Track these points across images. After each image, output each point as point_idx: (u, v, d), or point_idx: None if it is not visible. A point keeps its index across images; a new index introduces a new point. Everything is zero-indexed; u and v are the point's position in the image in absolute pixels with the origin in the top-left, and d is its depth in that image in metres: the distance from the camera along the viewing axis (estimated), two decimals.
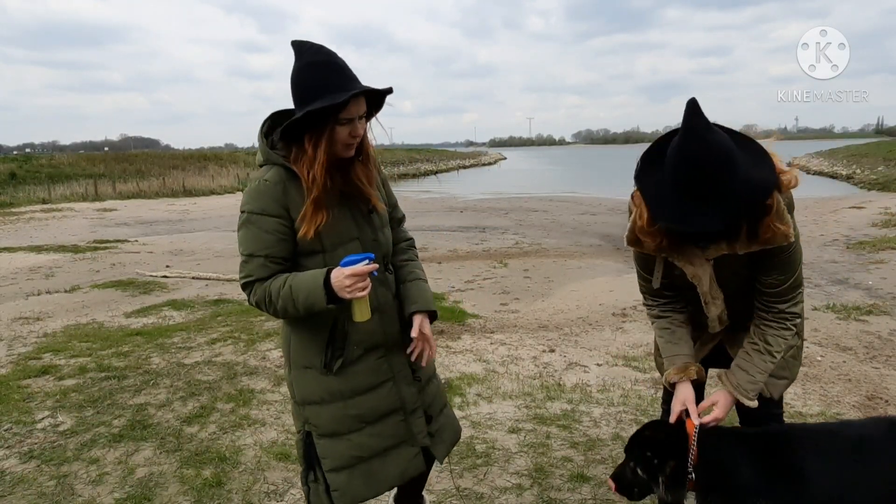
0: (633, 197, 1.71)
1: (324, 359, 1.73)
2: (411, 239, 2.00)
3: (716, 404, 1.78)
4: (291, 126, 1.59)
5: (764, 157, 1.53)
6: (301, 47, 1.58)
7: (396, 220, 1.94)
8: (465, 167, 60.10)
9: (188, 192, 31.16)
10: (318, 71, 1.55)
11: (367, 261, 1.54)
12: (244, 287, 1.68)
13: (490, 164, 69.13)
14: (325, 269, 1.58)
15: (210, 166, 40.20)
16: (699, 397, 1.94)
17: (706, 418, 1.74)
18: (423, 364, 1.81)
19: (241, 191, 33.67)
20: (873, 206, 15.57)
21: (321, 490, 1.80)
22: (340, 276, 1.53)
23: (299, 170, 1.61)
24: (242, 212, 1.64)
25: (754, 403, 1.79)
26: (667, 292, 1.88)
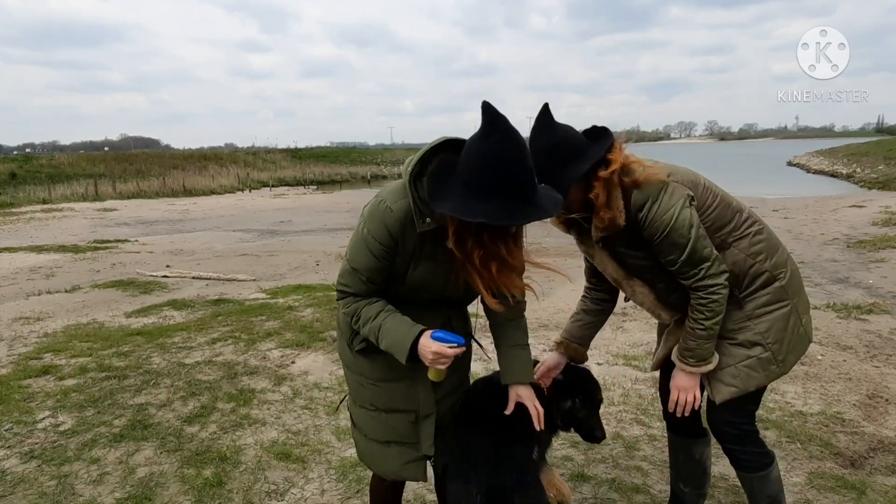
0: None
1: (350, 334, 1.81)
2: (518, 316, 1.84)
3: (674, 378, 1.99)
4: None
5: (591, 154, 1.77)
6: (495, 125, 1.41)
7: None
8: None
9: (188, 192, 31.20)
10: (500, 169, 1.39)
11: (456, 344, 1.58)
12: (340, 293, 1.72)
13: None
14: (416, 331, 1.60)
15: (210, 166, 40.24)
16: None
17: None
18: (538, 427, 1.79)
19: (241, 190, 33.71)
20: (873, 204, 15.57)
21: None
22: (427, 347, 1.57)
23: (449, 226, 1.52)
24: (363, 224, 1.63)
25: (705, 368, 1.90)
26: (593, 279, 2.18)
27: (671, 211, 1.76)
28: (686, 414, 1.98)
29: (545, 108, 1.79)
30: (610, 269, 1.97)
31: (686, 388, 1.95)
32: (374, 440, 1.84)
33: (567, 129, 1.80)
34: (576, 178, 1.75)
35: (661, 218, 1.76)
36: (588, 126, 1.90)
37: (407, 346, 1.58)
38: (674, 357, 1.97)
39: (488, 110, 1.41)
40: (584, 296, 2.24)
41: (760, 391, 1.97)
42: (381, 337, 1.63)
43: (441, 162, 1.54)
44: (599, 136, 1.84)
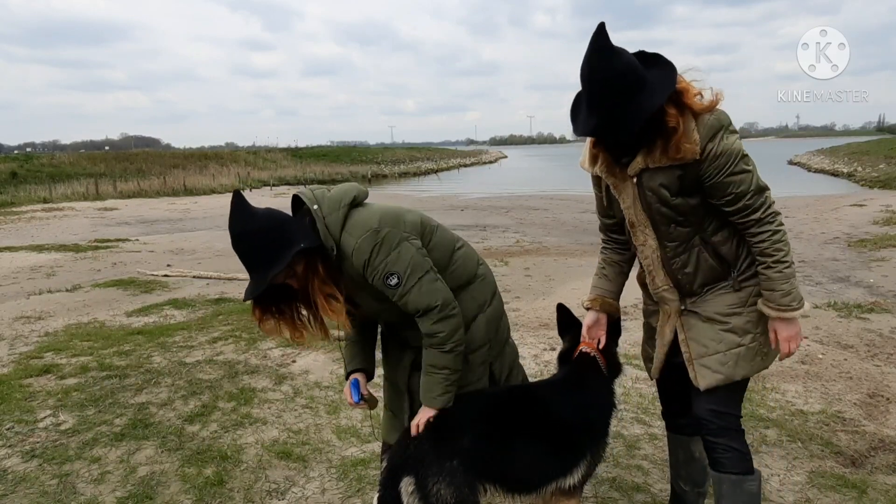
0: None
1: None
2: (426, 334, 1.90)
3: (776, 333, 1.82)
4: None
5: (663, 84, 1.64)
6: (233, 210, 1.78)
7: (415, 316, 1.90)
8: (466, 165, 60.04)
9: (189, 191, 31.17)
10: (237, 250, 1.84)
11: (354, 400, 2.10)
12: None
13: (491, 162, 69.06)
14: (350, 371, 2.16)
15: (211, 165, 40.22)
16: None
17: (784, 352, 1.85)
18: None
19: (242, 189, 33.67)
20: (874, 203, 15.55)
21: None
22: (346, 387, 2.14)
23: None
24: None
25: (806, 307, 1.81)
26: (611, 233, 2.09)
27: (737, 138, 1.72)
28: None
29: (601, 29, 1.61)
30: (633, 210, 1.86)
31: (795, 337, 1.82)
32: (384, 406, 2.30)
33: (628, 55, 1.65)
34: (652, 110, 1.62)
35: (732, 146, 1.69)
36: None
37: (343, 374, 2.18)
38: (772, 312, 1.80)
39: (233, 198, 1.79)
40: (603, 248, 2.15)
41: (746, 381, 1.94)
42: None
43: None
44: (656, 61, 1.70)
